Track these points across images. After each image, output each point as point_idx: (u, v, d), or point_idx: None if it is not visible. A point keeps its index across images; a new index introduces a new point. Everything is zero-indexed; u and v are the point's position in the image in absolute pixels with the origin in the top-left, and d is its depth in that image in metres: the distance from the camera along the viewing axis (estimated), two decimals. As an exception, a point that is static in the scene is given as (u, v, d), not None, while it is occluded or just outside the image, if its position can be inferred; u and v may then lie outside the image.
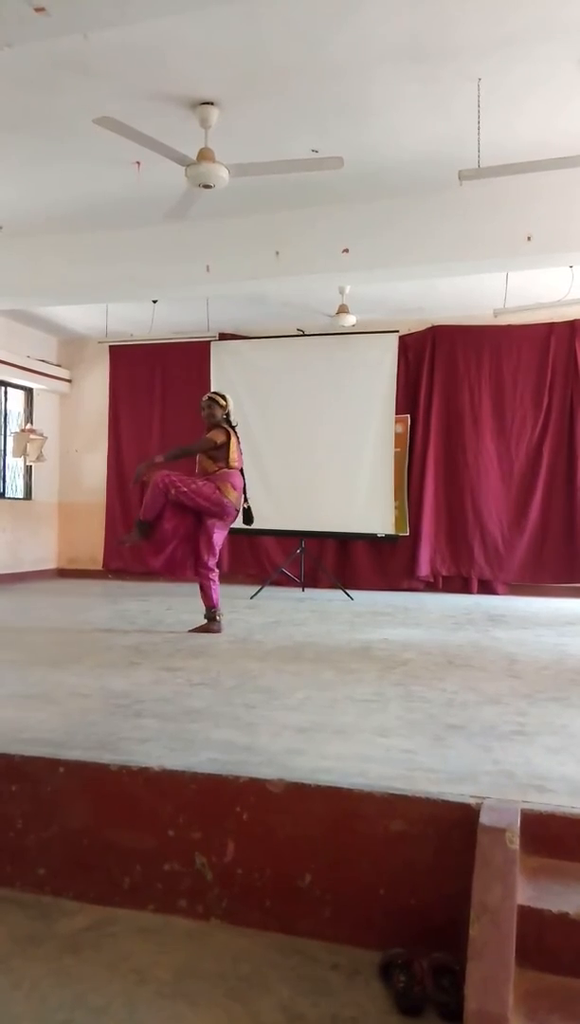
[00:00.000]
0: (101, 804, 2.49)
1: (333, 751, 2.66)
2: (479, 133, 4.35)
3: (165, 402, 9.30)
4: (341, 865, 2.27)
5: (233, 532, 8.36)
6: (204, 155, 4.31)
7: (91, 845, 2.48)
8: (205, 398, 5.49)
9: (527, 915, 1.90)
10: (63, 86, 4.20)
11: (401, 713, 3.20)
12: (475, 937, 1.83)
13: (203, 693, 3.52)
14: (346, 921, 2.26)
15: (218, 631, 5.29)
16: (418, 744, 2.76)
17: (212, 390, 5.74)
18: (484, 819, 2.08)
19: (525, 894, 1.95)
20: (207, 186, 4.37)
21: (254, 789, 2.36)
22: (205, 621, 5.38)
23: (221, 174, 4.32)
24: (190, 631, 5.31)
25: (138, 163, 5.02)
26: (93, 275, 6.25)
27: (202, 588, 5.41)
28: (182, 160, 4.28)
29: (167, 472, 5.22)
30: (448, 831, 2.20)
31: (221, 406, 5.39)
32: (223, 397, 5.45)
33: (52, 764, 2.54)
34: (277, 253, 5.80)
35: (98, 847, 2.48)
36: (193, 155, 4.33)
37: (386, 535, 8.09)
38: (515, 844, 1.99)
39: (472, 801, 2.20)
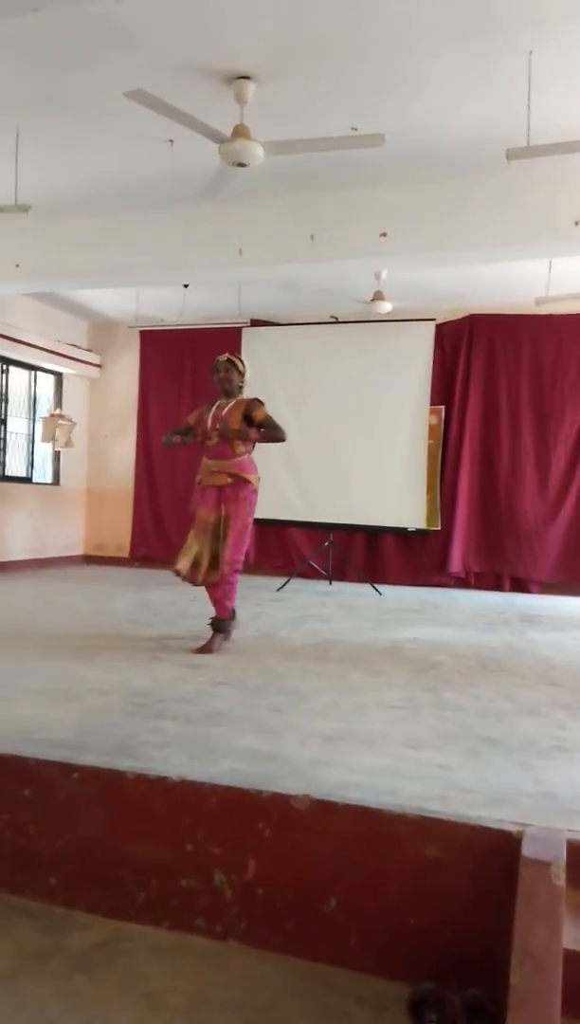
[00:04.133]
0: (116, 813, 2.37)
1: (361, 764, 2.51)
2: (529, 110, 4.12)
3: (195, 388, 9.14)
4: (369, 890, 2.13)
5: (261, 524, 8.25)
6: (239, 132, 4.13)
7: (105, 856, 2.36)
8: (223, 359, 4.62)
9: (574, 960, 1.74)
10: (94, 60, 4.04)
11: (433, 723, 3.04)
12: (517, 984, 1.67)
13: (226, 694, 3.38)
14: (373, 950, 2.11)
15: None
16: (452, 759, 2.59)
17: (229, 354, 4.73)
18: (527, 850, 1.91)
19: (572, 935, 1.79)
20: (241, 164, 4.19)
21: (278, 805, 2.22)
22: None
23: (256, 152, 4.14)
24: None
25: (171, 141, 4.85)
26: (123, 258, 6.11)
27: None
28: (216, 137, 4.11)
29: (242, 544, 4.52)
30: (486, 859, 2.04)
31: (240, 372, 4.60)
32: (243, 363, 4.66)
33: (67, 769, 2.42)
34: (312, 236, 5.61)
35: (113, 858, 2.35)
36: (228, 132, 4.15)
37: (417, 529, 7.89)
38: (561, 880, 1.82)
39: (513, 828, 2.04)
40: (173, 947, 2.21)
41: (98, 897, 2.35)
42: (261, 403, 4.57)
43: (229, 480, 4.45)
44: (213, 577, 4.41)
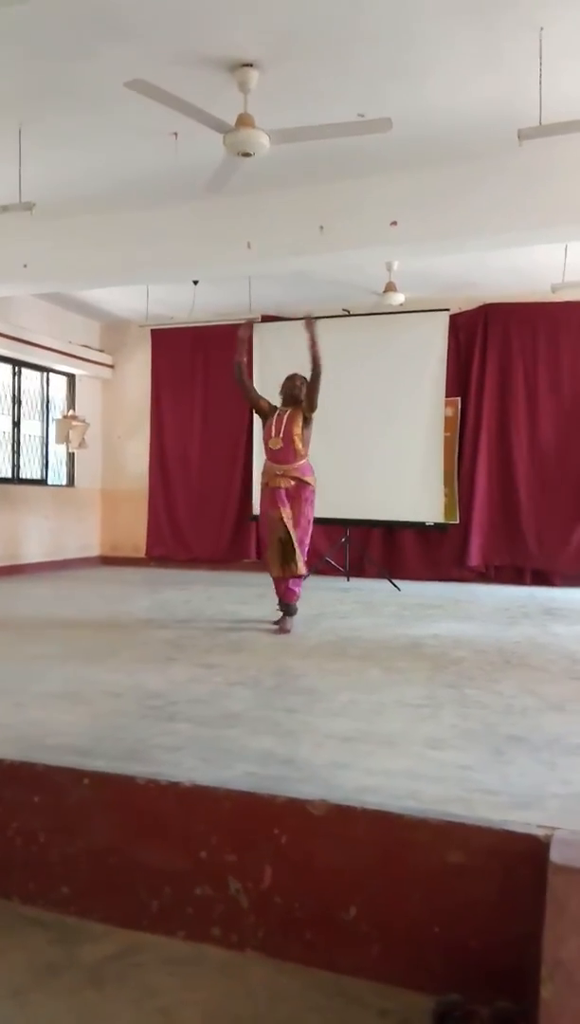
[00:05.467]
0: (128, 820, 2.29)
1: (380, 766, 2.42)
2: (541, 88, 3.99)
3: (207, 385, 9.10)
4: (391, 898, 2.04)
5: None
6: (243, 121, 4.04)
7: (118, 864, 2.29)
8: (294, 375, 5.20)
9: (608, 973, 1.64)
10: (93, 51, 3.97)
11: (455, 721, 2.94)
12: (548, 999, 1.58)
13: (241, 694, 3.31)
14: (396, 960, 2.02)
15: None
16: (475, 759, 2.50)
17: (296, 372, 5.25)
18: (555, 855, 1.81)
19: (605, 946, 1.69)
20: (246, 154, 4.11)
21: (294, 810, 2.13)
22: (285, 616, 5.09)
23: (261, 140, 4.05)
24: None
25: (176, 134, 4.78)
26: (131, 255, 6.05)
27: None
28: (220, 127, 4.03)
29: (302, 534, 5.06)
30: (513, 865, 1.94)
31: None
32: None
33: (76, 775, 2.35)
34: (321, 228, 5.52)
35: (125, 866, 2.28)
36: (231, 121, 4.07)
37: (435, 523, 7.77)
38: (593, 887, 1.72)
39: (540, 832, 1.94)
40: (188, 958, 2.13)
41: (111, 906, 2.28)
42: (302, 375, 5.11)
43: (292, 483, 5.00)
44: (292, 570, 4.98)
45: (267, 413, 5.18)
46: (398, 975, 2.01)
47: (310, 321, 5.03)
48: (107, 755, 2.48)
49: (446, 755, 2.54)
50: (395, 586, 7.39)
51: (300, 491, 5.01)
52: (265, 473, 5.13)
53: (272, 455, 5.07)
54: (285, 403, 5.17)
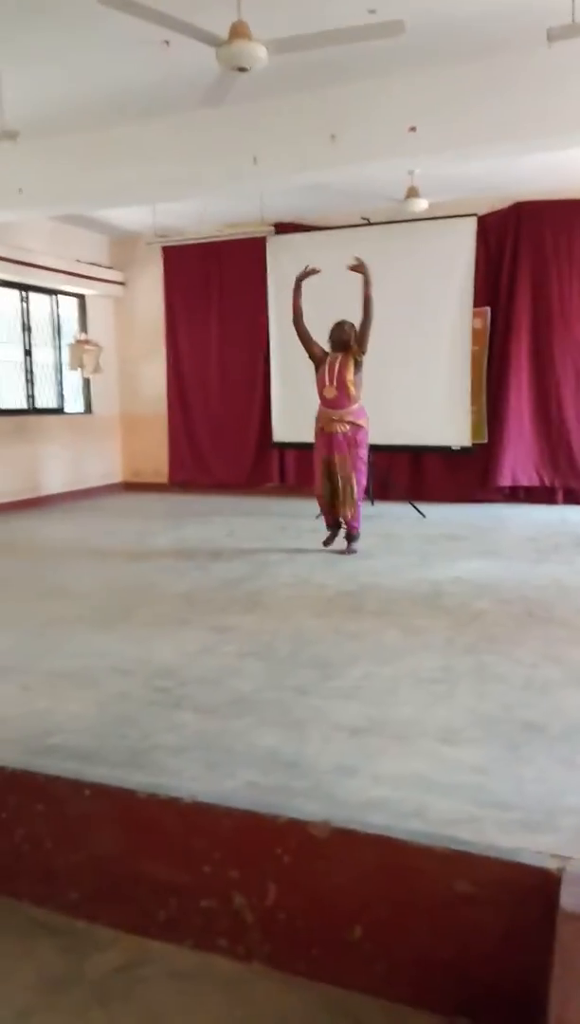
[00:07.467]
0: (130, 833, 2.26)
1: (388, 770, 2.33)
2: (576, -26, 3.47)
3: (222, 302, 8.71)
4: (396, 923, 1.98)
5: (297, 447, 7.92)
6: (237, 31, 3.59)
7: (122, 874, 2.27)
8: (342, 322, 5.44)
9: (619, 1033, 1.56)
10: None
11: (471, 702, 2.84)
12: (553, 1066, 1.51)
13: (252, 669, 3.23)
14: (403, 981, 1.99)
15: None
16: (489, 757, 2.39)
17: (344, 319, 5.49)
18: (566, 900, 1.72)
19: (617, 1002, 1.61)
20: (243, 69, 3.67)
21: (295, 831, 2.06)
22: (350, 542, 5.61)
23: (258, 53, 3.61)
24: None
25: (167, 42, 4.31)
26: (129, 175, 5.62)
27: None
28: (211, 40, 3.59)
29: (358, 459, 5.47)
30: (523, 898, 1.86)
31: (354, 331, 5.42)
32: (354, 325, 5.44)
33: (77, 787, 2.30)
34: (332, 137, 5.04)
35: (130, 876, 2.26)
36: (224, 33, 3.61)
37: (461, 447, 7.49)
38: (606, 940, 1.63)
39: (553, 864, 1.84)
40: (194, 971, 2.12)
41: (118, 913, 2.28)
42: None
43: (347, 427, 5.35)
44: (348, 510, 5.46)
45: (320, 359, 5.42)
46: (405, 995, 1.98)
47: (362, 264, 5.24)
48: (109, 760, 2.43)
49: (458, 752, 2.44)
50: (420, 512, 7.21)
51: (356, 434, 5.37)
52: (320, 418, 5.43)
53: (327, 402, 5.37)
54: (334, 348, 5.41)
